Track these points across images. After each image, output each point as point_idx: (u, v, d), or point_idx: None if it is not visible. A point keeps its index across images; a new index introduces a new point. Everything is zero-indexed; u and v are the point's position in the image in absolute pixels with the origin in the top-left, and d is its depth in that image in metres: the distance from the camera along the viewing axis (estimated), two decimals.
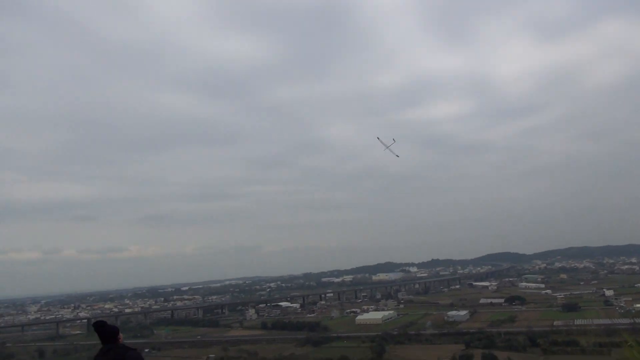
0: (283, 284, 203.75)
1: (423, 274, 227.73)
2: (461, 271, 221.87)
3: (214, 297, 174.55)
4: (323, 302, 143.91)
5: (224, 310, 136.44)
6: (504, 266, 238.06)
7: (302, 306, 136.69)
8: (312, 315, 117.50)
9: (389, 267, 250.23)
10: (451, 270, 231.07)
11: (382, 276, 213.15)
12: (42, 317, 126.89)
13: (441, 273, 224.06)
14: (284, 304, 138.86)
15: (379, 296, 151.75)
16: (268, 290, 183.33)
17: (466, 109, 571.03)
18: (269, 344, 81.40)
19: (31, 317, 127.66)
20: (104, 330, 5.18)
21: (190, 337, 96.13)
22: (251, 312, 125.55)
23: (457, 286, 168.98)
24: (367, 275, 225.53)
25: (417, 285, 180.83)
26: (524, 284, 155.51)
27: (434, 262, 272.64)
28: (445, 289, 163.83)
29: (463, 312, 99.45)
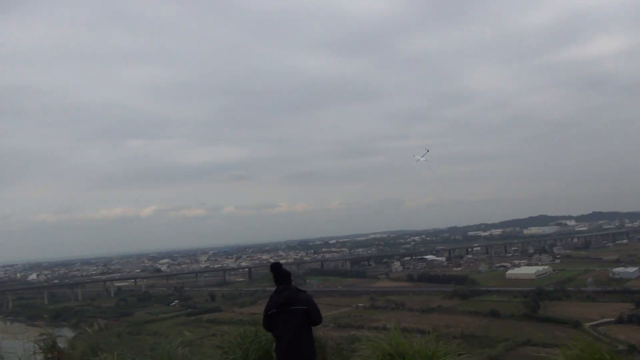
0: (427, 238, 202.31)
1: (582, 227, 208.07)
2: (630, 224, 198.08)
3: (360, 249, 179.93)
4: (470, 256, 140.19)
5: (370, 263, 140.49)
6: None
7: (448, 259, 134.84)
8: (459, 268, 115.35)
9: (542, 220, 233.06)
10: (617, 224, 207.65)
11: (534, 230, 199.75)
12: (211, 266, 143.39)
13: (604, 227, 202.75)
14: (429, 257, 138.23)
15: (531, 250, 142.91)
16: (412, 243, 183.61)
17: (634, 42, 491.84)
18: (416, 296, 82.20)
19: (202, 265, 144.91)
20: (280, 271, 5.50)
21: (339, 287, 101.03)
22: (396, 265, 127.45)
23: (625, 241, 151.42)
24: (517, 229, 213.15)
25: (575, 240, 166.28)
26: None
27: (596, 215, 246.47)
28: (610, 244, 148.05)
29: (632, 269, 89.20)
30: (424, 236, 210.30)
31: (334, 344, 7.53)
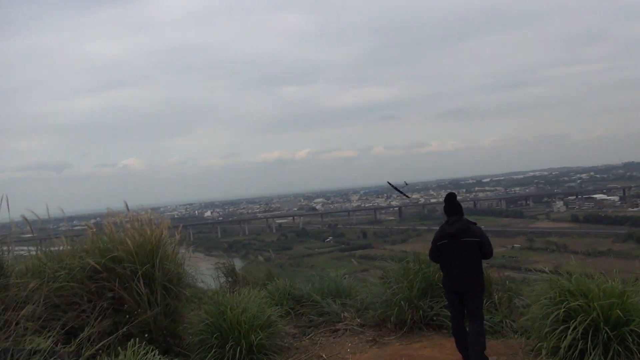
0: (597, 175, 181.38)
1: None
2: None
3: (517, 188, 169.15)
4: None
5: (528, 202, 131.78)
6: None
7: (621, 199, 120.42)
8: (636, 209, 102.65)
9: None
10: None
11: None
12: (362, 205, 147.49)
13: None
14: (598, 196, 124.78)
15: None
16: (578, 181, 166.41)
17: None
18: (581, 238, 75.64)
19: (354, 204, 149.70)
20: (454, 202, 5.38)
21: (494, 227, 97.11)
22: (559, 204, 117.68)
23: None
24: None
25: None
26: None
27: None
28: None
29: None
30: (592, 173, 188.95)
31: (500, 278, 7.25)
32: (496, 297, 6.73)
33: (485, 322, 5.43)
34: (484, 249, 5.22)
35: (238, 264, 11.56)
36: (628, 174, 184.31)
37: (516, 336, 6.03)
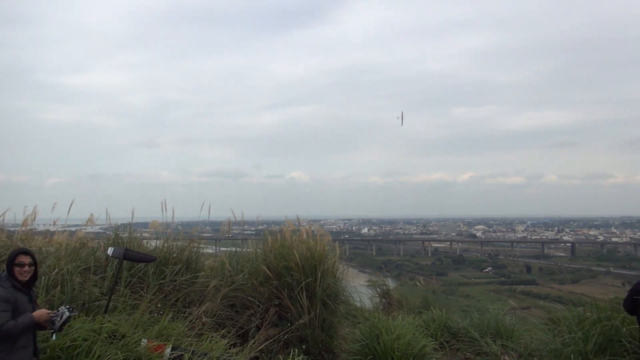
0: None
1: None
2: None
3: None
4: None
5: None
6: None
7: None
8: None
9: None
10: None
11: None
12: (528, 237, 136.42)
13: None
14: None
15: None
16: None
17: None
18: None
19: (518, 235, 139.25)
20: None
21: None
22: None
23: None
24: None
25: None
26: None
27: None
28: None
29: None
30: None
31: None
32: None
33: None
34: None
35: (390, 284, 11.55)
36: None
37: None
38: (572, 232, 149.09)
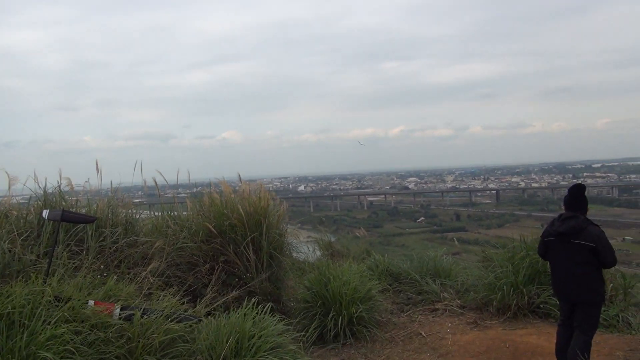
0: None
1: None
2: None
3: (633, 175, 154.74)
4: None
5: None
6: None
7: None
8: None
9: None
10: None
11: None
12: (457, 186, 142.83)
13: None
14: None
15: None
16: None
17: None
18: None
19: (448, 185, 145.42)
20: (577, 195, 4.56)
21: (603, 217, 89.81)
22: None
23: None
24: None
25: None
26: None
27: None
28: None
29: None
30: None
31: (612, 270, 6.75)
32: (612, 289, 6.30)
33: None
34: (600, 257, 4.37)
35: (331, 238, 11.82)
36: None
37: (633, 332, 5.64)
38: (497, 180, 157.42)
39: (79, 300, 3.85)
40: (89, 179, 6.41)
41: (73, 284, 4.16)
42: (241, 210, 6.42)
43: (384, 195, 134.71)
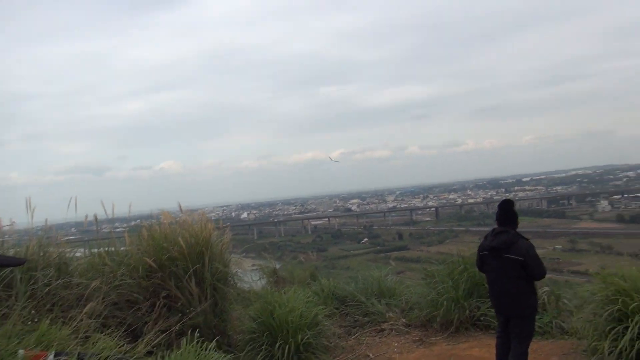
0: None
1: None
2: None
3: (559, 187, 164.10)
4: None
5: (570, 202, 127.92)
6: None
7: None
8: None
9: None
10: None
11: None
12: (398, 206, 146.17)
13: None
14: None
15: None
16: (624, 179, 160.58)
17: None
18: (627, 238, 72.84)
19: (389, 205, 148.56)
20: (508, 210, 4.71)
21: (534, 227, 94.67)
22: (603, 204, 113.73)
23: None
24: None
25: None
26: None
27: None
28: None
29: None
30: (639, 171, 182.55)
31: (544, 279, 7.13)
32: (545, 298, 6.64)
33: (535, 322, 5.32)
34: (529, 270, 4.52)
35: (276, 265, 11.76)
36: None
37: (566, 337, 5.94)
38: (436, 198, 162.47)
39: (7, 350, 3.61)
40: (14, 218, 6.07)
41: (1, 333, 3.89)
42: (182, 242, 6.26)
43: (327, 219, 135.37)
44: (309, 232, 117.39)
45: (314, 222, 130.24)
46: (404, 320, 7.03)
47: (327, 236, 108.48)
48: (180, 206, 7.26)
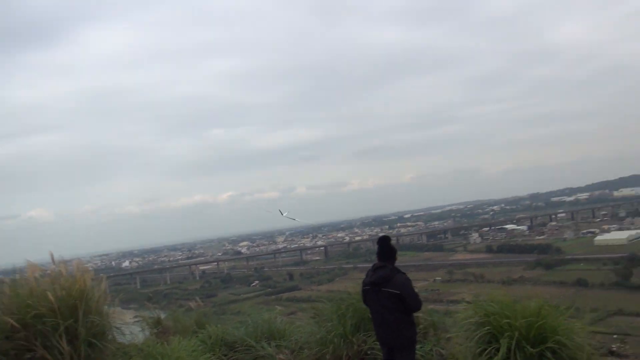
0: (507, 207, 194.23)
1: None
2: None
3: (436, 222, 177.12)
4: (554, 223, 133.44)
5: (446, 235, 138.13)
6: None
7: (529, 228, 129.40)
8: (542, 237, 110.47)
9: (635, 180, 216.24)
10: None
11: (626, 192, 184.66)
12: (288, 246, 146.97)
13: None
14: (509, 226, 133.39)
15: (622, 214, 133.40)
16: (491, 213, 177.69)
17: None
18: (496, 267, 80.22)
19: (280, 246, 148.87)
20: (385, 246, 5.01)
21: (416, 262, 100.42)
22: (474, 236, 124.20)
23: None
24: (606, 191, 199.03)
25: None
26: None
27: None
28: None
29: None
30: (502, 205, 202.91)
31: (425, 310, 7.55)
32: (429, 328, 6.99)
33: (416, 351, 5.59)
34: (406, 303, 4.79)
35: (161, 314, 11.13)
36: (534, 204, 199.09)
37: None
38: (324, 237, 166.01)
39: None
40: None
41: None
42: (51, 296, 5.70)
43: (216, 263, 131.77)
44: (197, 278, 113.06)
45: (202, 267, 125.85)
46: None
47: (217, 281, 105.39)
48: (52, 257, 6.64)
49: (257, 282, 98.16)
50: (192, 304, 11.98)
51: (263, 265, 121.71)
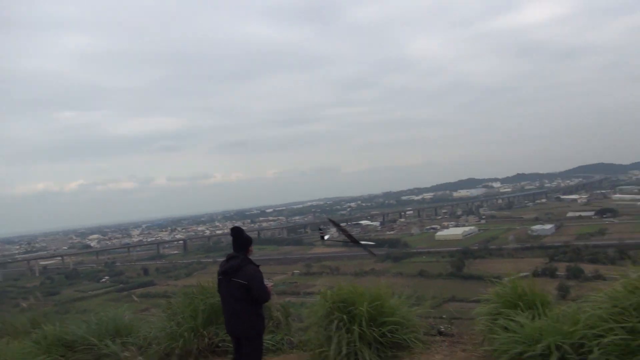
0: (363, 204, 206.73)
1: (507, 189, 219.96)
2: (548, 185, 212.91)
3: (297, 217, 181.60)
4: (403, 220, 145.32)
5: (306, 230, 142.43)
6: (596, 178, 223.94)
7: (382, 224, 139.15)
8: (392, 232, 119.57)
9: (471, 183, 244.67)
10: (537, 185, 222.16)
11: (463, 193, 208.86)
12: (144, 240, 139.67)
13: (526, 187, 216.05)
14: (364, 222, 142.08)
15: (459, 212, 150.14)
16: (348, 209, 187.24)
17: (563, 11, 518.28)
18: (350, 260, 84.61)
19: (134, 239, 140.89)
20: (239, 237, 5.03)
21: (276, 255, 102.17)
22: (332, 231, 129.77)
23: (544, 200, 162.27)
24: (447, 192, 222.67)
25: (500, 201, 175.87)
26: (617, 195, 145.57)
27: (519, 177, 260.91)
28: (530, 204, 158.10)
29: (548, 226, 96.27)
30: (359, 202, 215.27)
31: (280, 303, 7.76)
32: (281, 318, 7.18)
33: (267, 341, 5.74)
34: (253, 294, 4.87)
35: None
36: (386, 202, 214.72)
37: (294, 350, 6.55)
38: (184, 230, 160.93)
39: None
40: None
41: None
42: None
43: (60, 257, 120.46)
44: (37, 274, 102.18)
45: (43, 263, 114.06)
46: (141, 358, 6.68)
47: (60, 277, 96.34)
48: None
49: (107, 277, 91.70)
50: (24, 303, 10.83)
51: (115, 260, 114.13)
